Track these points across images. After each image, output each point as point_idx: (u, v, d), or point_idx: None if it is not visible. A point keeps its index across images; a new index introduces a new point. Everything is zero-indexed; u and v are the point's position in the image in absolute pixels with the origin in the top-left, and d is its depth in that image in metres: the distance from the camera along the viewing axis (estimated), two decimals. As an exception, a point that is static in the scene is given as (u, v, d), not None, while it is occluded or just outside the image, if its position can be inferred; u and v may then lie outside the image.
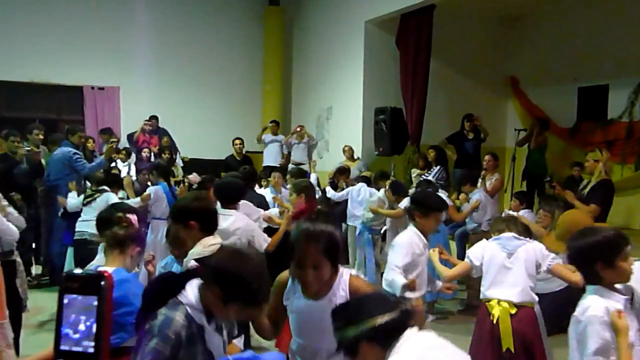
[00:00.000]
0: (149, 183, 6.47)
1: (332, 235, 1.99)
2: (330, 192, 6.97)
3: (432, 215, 3.29)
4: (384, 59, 8.81)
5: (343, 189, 6.98)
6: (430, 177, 7.25)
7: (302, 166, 9.04)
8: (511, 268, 3.11)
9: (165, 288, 1.80)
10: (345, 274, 2.07)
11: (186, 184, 5.94)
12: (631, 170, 7.56)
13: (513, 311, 3.03)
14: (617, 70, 7.83)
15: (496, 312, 3.05)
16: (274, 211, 4.79)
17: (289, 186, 6.17)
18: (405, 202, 5.81)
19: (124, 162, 8.40)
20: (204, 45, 10.84)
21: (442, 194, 5.74)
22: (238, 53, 11.15)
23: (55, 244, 6.06)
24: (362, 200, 6.48)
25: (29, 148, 6.41)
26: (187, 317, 1.71)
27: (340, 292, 2.01)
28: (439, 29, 8.16)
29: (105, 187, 5.40)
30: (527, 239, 3.26)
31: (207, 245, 2.52)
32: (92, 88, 10.31)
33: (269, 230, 4.23)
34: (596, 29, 8.08)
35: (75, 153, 6.38)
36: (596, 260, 2.13)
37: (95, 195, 5.27)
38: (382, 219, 6.18)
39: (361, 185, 6.68)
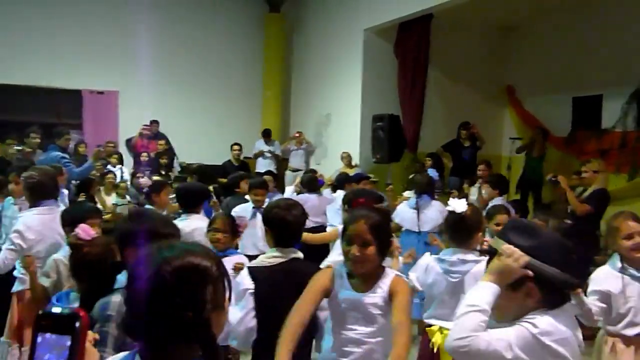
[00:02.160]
0: (145, 189, 6.42)
1: (382, 221, 2.16)
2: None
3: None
4: (383, 67, 8.88)
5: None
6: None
7: (299, 172, 9.06)
8: (456, 299, 2.58)
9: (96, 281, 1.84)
10: (391, 273, 2.17)
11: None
12: (625, 180, 7.62)
13: None
14: (611, 80, 7.93)
15: (437, 339, 2.69)
16: None
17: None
18: (397, 216, 5.64)
19: (114, 166, 8.35)
20: (204, 51, 10.90)
21: (439, 205, 5.71)
22: (238, 59, 11.21)
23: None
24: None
25: (20, 148, 6.40)
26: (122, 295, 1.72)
27: (384, 287, 2.11)
28: (436, 38, 8.25)
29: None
30: (478, 258, 2.64)
31: (269, 257, 2.47)
32: (91, 92, 10.34)
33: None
34: (591, 40, 8.18)
35: (62, 157, 6.34)
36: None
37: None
38: None
39: (339, 193, 6.51)
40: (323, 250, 4.23)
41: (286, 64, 11.34)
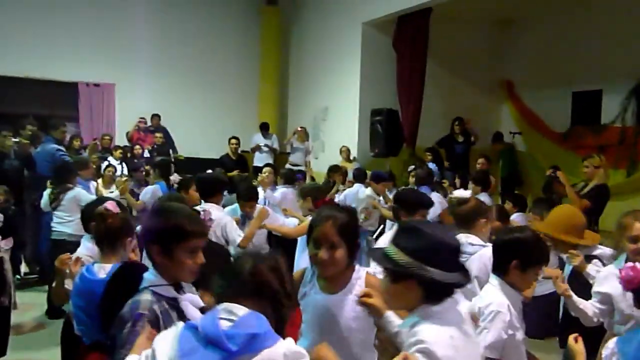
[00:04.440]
0: (147, 179, 6.38)
1: (348, 218, 2.00)
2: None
3: (418, 212, 3.18)
4: (381, 61, 8.83)
5: (338, 188, 6.98)
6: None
7: (299, 168, 9.00)
8: None
9: (123, 281, 1.81)
10: (362, 270, 2.06)
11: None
12: (623, 175, 7.59)
13: None
14: (610, 75, 7.88)
15: None
16: (292, 221, 4.58)
17: (279, 187, 6.19)
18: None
19: (117, 159, 8.35)
20: (201, 44, 10.83)
21: (438, 197, 5.75)
22: (235, 52, 11.14)
23: (44, 242, 6.00)
24: (353, 200, 6.44)
25: (17, 140, 6.36)
26: (154, 295, 1.71)
27: (357, 288, 1.99)
28: (435, 32, 8.19)
29: (69, 185, 5.04)
30: (483, 243, 2.96)
31: None
32: (87, 84, 10.28)
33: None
34: (590, 34, 8.12)
35: (58, 149, 6.31)
36: (515, 257, 2.16)
37: (60, 196, 4.96)
38: (375, 220, 6.19)
39: (358, 187, 6.64)
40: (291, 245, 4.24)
41: (283, 57, 11.28)
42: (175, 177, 5.58)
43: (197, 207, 3.48)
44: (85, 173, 5.46)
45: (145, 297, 1.70)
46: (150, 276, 1.77)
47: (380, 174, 6.37)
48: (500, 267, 2.23)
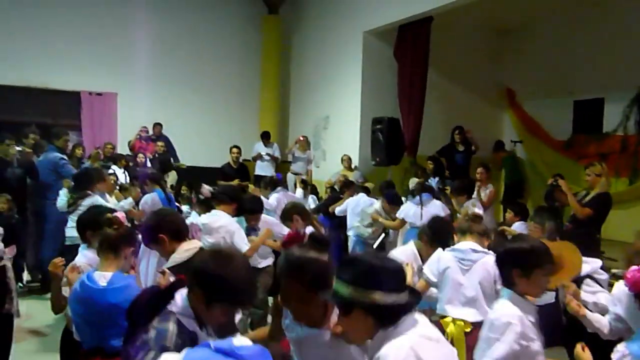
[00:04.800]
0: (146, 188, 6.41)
1: (320, 266, 1.78)
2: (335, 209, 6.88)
3: (437, 245, 3.27)
4: (382, 70, 8.85)
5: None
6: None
7: (300, 177, 9.01)
8: (467, 285, 2.96)
9: (153, 301, 1.79)
10: None
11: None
12: (625, 183, 7.58)
13: (468, 329, 2.91)
14: (612, 83, 7.90)
15: (451, 330, 2.94)
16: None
17: (272, 193, 6.32)
18: (402, 212, 5.81)
19: (121, 168, 8.37)
20: (202, 53, 10.88)
21: (440, 205, 5.76)
22: (236, 61, 11.19)
23: (47, 250, 5.99)
24: (359, 211, 6.44)
25: (20, 148, 6.38)
26: (178, 324, 1.71)
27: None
28: (436, 40, 8.21)
29: (89, 192, 5.05)
30: (486, 250, 3.06)
31: (182, 251, 2.57)
32: (90, 93, 10.32)
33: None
34: (592, 42, 8.15)
35: (61, 158, 6.32)
36: (515, 266, 2.18)
37: (79, 201, 4.93)
38: (378, 232, 6.19)
39: (360, 196, 6.64)
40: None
41: (284, 66, 11.32)
42: (205, 190, 5.60)
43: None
44: (102, 186, 5.46)
45: (172, 327, 1.70)
46: (180, 302, 1.77)
47: (396, 199, 6.13)
48: (506, 280, 2.25)
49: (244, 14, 11.23)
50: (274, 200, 6.17)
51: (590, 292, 2.96)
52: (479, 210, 5.38)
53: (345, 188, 7.20)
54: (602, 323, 2.65)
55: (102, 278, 2.40)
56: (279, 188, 6.78)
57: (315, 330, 1.80)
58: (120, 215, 2.67)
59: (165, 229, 2.62)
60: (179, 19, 10.70)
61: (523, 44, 9.58)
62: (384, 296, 1.55)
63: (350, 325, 1.61)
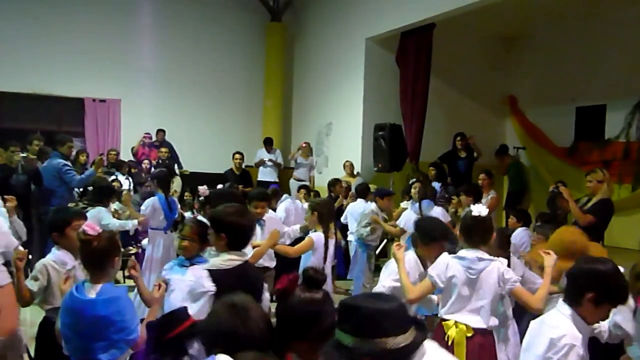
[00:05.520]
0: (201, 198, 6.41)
1: (326, 319, 1.78)
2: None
3: (434, 244, 3.19)
4: (384, 76, 8.88)
5: (342, 202, 7.06)
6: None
7: (303, 183, 9.02)
8: (472, 294, 2.88)
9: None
10: None
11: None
12: (628, 190, 7.58)
13: (470, 334, 2.85)
14: (614, 90, 7.91)
15: (452, 333, 2.85)
16: (294, 229, 4.59)
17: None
18: (402, 221, 5.83)
19: (124, 175, 8.41)
20: (206, 60, 10.94)
21: (441, 211, 5.77)
22: (239, 68, 11.24)
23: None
24: (357, 216, 6.47)
25: (24, 155, 6.42)
26: None
27: None
28: (438, 47, 8.24)
29: (100, 205, 5.09)
30: (491, 257, 2.95)
31: (225, 259, 2.55)
32: (94, 100, 10.35)
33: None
34: (594, 50, 8.18)
35: (65, 164, 6.33)
36: (590, 290, 2.10)
37: (88, 209, 4.90)
38: (377, 231, 6.20)
39: (359, 202, 6.69)
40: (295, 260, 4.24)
41: (287, 72, 11.37)
42: (202, 189, 5.57)
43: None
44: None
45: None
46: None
47: (384, 189, 6.43)
48: (573, 297, 2.14)
49: (247, 21, 11.29)
50: (282, 211, 6.04)
51: None
52: (482, 208, 5.23)
53: (333, 187, 7.29)
54: (601, 329, 2.65)
55: (92, 290, 2.37)
56: (285, 196, 6.75)
57: None
58: (90, 227, 2.48)
59: (229, 231, 2.55)
60: (182, 26, 10.76)
61: (525, 51, 9.61)
62: (391, 341, 1.50)
63: None
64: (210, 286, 2.39)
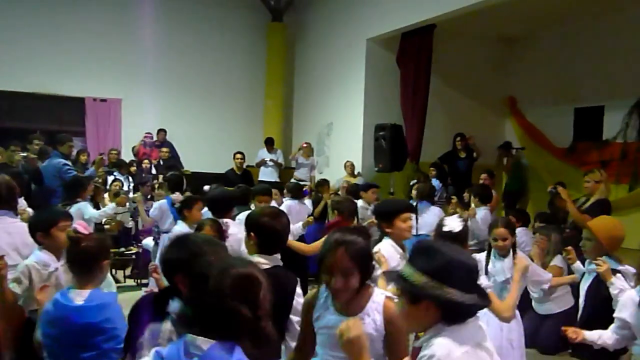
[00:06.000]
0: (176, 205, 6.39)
1: (362, 245, 1.95)
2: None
3: (396, 218, 3.03)
4: (385, 77, 8.93)
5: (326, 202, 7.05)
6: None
7: (304, 183, 9.05)
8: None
9: (149, 306, 1.84)
10: (379, 294, 2.01)
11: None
12: (625, 190, 7.64)
13: None
14: (612, 91, 7.98)
15: None
16: (296, 227, 4.63)
17: (286, 199, 6.26)
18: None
19: (123, 174, 8.42)
20: (207, 60, 10.96)
21: (439, 211, 5.80)
22: (240, 68, 11.27)
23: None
24: None
25: (24, 154, 6.44)
26: (173, 323, 1.74)
27: (375, 314, 1.95)
28: (439, 48, 8.31)
29: (78, 199, 5.11)
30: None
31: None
32: (94, 100, 10.38)
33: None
34: (592, 51, 8.24)
35: (65, 164, 6.34)
36: None
37: (67, 207, 4.77)
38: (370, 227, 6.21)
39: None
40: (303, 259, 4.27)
41: (288, 73, 11.41)
42: (177, 196, 5.47)
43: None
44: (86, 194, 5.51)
45: (167, 326, 1.72)
46: (176, 304, 1.76)
47: (368, 183, 6.36)
48: None
49: (249, 21, 11.32)
50: (285, 207, 5.98)
51: (619, 288, 3.00)
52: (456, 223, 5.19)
53: (320, 187, 7.27)
54: (604, 338, 2.70)
55: (79, 296, 2.21)
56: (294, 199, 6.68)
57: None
58: (81, 226, 2.37)
59: (259, 233, 2.45)
60: (183, 26, 10.78)
61: (525, 53, 9.67)
62: (459, 294, 1.51)
63: (415, 315, 1.59)
64: None
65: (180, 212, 4.53)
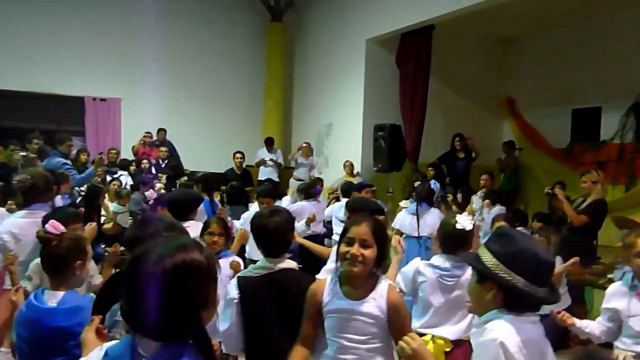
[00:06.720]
0: (150, 202, 6.39)
1: (382, 224, 2.14)
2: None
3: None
4: (384, 77, 8.97)
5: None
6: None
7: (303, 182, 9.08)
8: (449, 305, 2.77)
9: (113, 287, 1.78)
10: (384, 281, 2.13)
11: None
12: (622, 191, 7.71)
13: (448, 349, 2.77)
14: (609, 93, 8.05)
15: (430, 348, 2.71)
16: (299, 226, 4.66)
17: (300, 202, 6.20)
18: (397, 222, 5.81)
19: (127, 174, 8.43)
20: (207, 60, 10.98)
21: (438, 213, 5.83)
22: (240, 68, 11.29)
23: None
24: (343, 215, 6.43)
25: (24, 154, 6.44)
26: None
27: (379, 298, 2.06)
28: (438, 49, 8.35)
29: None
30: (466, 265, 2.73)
31: (257, 267, 2.44)
32: (94, 99, 10.38)
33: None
34: (590, 53, 8.31)
35: (64, 163, 6.30)
36: None
37: None
38: None
39: (344, 201, 6.60)
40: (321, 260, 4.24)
41: (288, 73, 11.44)
42: (151, 193, 5.33)
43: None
44: (65, 187, 5.50)
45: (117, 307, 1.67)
46: None
47: (362, 183, 6.39)
48: None
49: (248, 21, 11.34)
50: (299, 208, 5.99)
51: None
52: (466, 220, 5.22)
53: (351, 192, 7.20)
54: (591, 327, 2.75)
55: (52, 298, 2.12)
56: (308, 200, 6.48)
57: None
58: (52, 226, 2.25)
59: (256, 235, 2.40)
60: (183, 26, 10.80)
61: (524, 54, 9.73)
62: (525, 284, 1.55)
63: (478, 293, 1.65)
64: (235, 294, 2.27)
65: (155, 209, 4.50)
